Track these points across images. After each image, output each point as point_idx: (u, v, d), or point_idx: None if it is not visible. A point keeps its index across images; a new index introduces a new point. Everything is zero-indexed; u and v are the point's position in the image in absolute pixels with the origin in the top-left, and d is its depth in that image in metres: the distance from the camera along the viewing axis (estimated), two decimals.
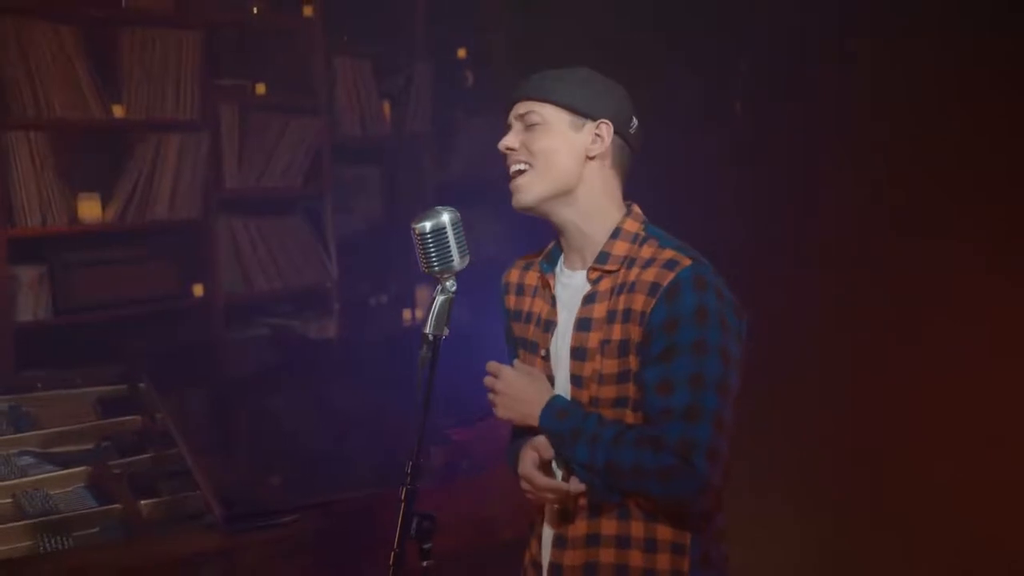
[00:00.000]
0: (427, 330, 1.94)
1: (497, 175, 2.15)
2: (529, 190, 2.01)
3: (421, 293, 5.00)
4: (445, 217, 1.94)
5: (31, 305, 4.06)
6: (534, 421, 2.00)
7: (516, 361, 2.09)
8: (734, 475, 1.94)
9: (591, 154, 2.02)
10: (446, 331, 1.94)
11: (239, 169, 4.55)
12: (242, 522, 2.70)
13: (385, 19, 5.00)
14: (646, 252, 1.99)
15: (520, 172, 2.02)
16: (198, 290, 4.44)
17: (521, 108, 2.03)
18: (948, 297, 3.08)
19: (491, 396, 2.06)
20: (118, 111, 4.22)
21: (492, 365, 2.06)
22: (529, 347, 2.11)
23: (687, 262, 1.94)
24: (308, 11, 4.71)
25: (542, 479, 2.01)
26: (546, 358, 2.06)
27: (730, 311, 1.95)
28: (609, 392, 1.97)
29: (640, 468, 1.89)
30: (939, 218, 3.11)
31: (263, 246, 4.63)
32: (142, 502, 2.98)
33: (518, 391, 2.02)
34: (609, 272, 2.00)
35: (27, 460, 3.31)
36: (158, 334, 4.30)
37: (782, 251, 3.44)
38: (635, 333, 1.94)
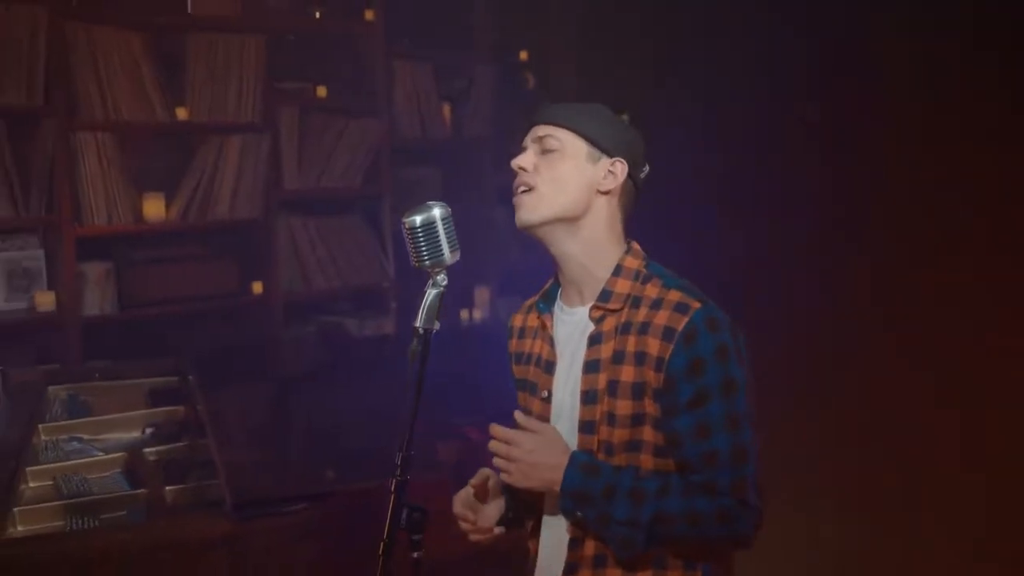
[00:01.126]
0: (418, 324, 1.91)
1: None
2: (534, 209, 1.98)
3: (480, 294, 5.02)
4: (436, 212, 1.92)
5: (97, 300, 4.24)
6: (555, 486, 1.91)
7: (517, 413, 1.99)
8: None
9: (602, 188, 1.99)
10: (437, 325, 1.92)
11: (299, 170, 4.64)
12: (248, 510, 2.77)
13: (446, 23, 5.04)
14: (651, 292, 1.95)
15: (527, 191, 2.00)
16: (257, 288, 4.55)
17: (540, 131, 2.01)
18: (950, 297, 2.99)
19: (502, 463, 1.93)
20: (182, 113, 4.36)
21: (498, 430, 1.94)
22: (529, 388, 2.08)
23: (697, 304, 1.91)
24: (369, 15, 4.78)
25: (456, 506, 2.07)
26: (547, 399, 2.02)
27: (742, 345, 1.93)
28: (622, 435, 1.92)
29: (695, 514, 1.86)
30: (941, 219, 3.03)
31: (322, 245, 4.71)
32: (167, 488, 3.07)
33: (538, 458, 1.91)
34: (612, 311, 1.97)
35: (74, 445, 3.44)
36: (218, 330, 4.43)
37: (782, 253, 3.39)
38: (652, 377, 1.90)
